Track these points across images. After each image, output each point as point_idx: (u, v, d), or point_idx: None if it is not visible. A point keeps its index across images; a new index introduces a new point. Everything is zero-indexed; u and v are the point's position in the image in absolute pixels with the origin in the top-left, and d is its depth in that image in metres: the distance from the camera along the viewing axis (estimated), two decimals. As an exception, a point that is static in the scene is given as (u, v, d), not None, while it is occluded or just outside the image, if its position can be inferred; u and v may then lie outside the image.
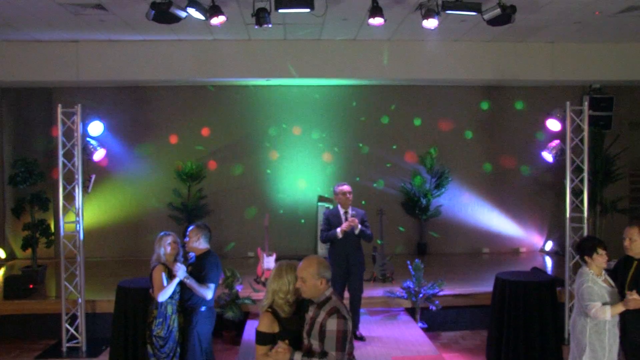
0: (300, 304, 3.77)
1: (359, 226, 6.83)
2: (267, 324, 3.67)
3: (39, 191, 9.20)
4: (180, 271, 5.23)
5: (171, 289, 5.28)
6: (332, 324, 3.50)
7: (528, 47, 10.11)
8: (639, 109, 11.63)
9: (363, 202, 11.09)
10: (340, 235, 6.82)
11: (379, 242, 9.54)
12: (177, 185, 11.08)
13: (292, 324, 3.70)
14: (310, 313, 3.67)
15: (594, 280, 4.85)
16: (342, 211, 7.01)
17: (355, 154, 11.53)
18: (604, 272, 4.96)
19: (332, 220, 6.98)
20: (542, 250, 11.68)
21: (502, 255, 11.38)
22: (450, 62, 10.16)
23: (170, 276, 5.31)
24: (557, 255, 11.09)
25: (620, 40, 9.91)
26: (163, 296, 5.26)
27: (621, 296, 4.83)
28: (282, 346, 3.59)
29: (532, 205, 11.70)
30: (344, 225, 6.79)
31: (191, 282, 5.27)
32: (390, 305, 8.25)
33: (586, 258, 4.95)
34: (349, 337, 3.57)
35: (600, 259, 4.89)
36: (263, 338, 3.67)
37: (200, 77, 10.18)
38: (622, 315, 4.86)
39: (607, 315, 4.72)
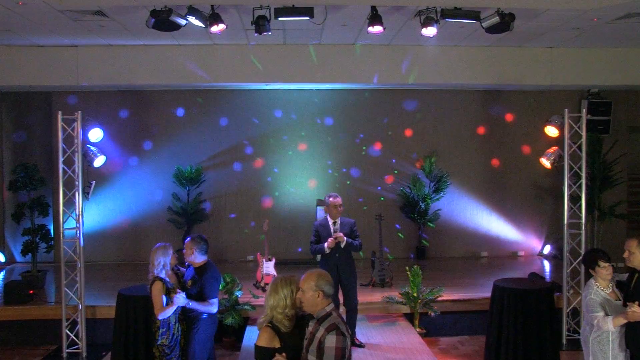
0: (300, 319, 3.79)
1: (345, 239, 6.80)
2: (267, 339, 3.66)
3: (39, 196, 9.22)
4: (180, 300, 5.23)
5: (170, 312, 5.32)
6: (330, 341, 3.51)
7: (527, 52, 10.13)
8: (637, 114, 11.66)
9: (364, 208, 11.16)
10: (327, 251, 6.83)
11: (387, 255, 9.51)
12: (176, 190, 11.10)
13: (292, 338, 3.70)
14: (310, 328, 3.69)
15: (597, 292, 4.85)
16: (330, 222, 6.98)
17: (355, 158, 11.55)
18: (611, 284, 4.93)
19: (321, 231, 6.98)
20: (541, 254, 11.71)
21: (500, 259, 11.40)
22: (449, 67, 10.18)
23: (168, 293, 5.31)
24: (556, 259, 11.12)
25: (619, 45, 9.94)
26: (162, 316, 5.30)
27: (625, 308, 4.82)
28: (279, 359, 3.58)
29: (530, 209, 11.73)
30: (329, 242, 6.78)
31: (194, 305, 5.30)
32: (389, 310, 8.27)
33: (590, 271, 4.95)
34: (347, 355, 3.57)
35: (603, 271, 4.86)
36: (263, 353, 3.64)
37: (199, 81, 10.20)
38: (625, 328, 4.85)
39: (609, 325, 4.72)
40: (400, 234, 11.51)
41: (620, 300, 4.88)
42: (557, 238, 10.82)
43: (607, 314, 4.77)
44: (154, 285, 5.35)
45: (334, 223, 6.97)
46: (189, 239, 5.54)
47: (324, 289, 3.66)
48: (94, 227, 10.73)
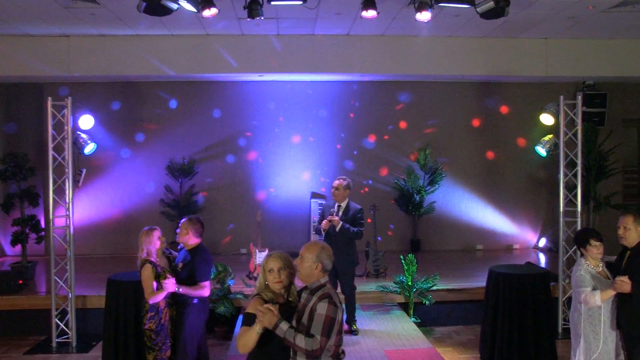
0: (287, 302, 3.71)
1: (340, 223, 6.79)
2: (255, 307, 3.55)
3: (29, 186, 9.11)
4: (170, 286, 5.15)
5: (161, 297, 5.23)
6: (322, 308, 3.45)
7: (521, 43, 10.07)
8: (632, 106, 11.63)
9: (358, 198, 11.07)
10: (322, 232, 6.83)
11: (379, 239, 9.46)
12: (168, 182, 11.00)
13: (282, 312, 3.63)
14: (302, 300, 3.62)
15: (587, 269, 4.84)
16: (335, 205, 7.00)
17: (349, 150, 11.49)
18: (601, 264, 4.92)
19: (325, 212, 7.01)
20: (536, 247, 11.66)
21: (495, 252, 11.34)
22: (443, 58, 10.11)
23: (158, 277, 5.22)
24: (551, 252, 11.07)
25: (614, 36, 9.90)
26: (153, 301, 5.22)
27: None
28: (272, 306, 3.46)
29: (525, 202, 11.69)
30: (323, 224, 6.81)
31: (185, 290, 5.22)
32: (384, 300, 8.21)
33: (581, 249, 4.96)
34: (337, 327, 3.49)
35: (594, 250, 4.86)
36: (250, 318, 3.52)
37: (192, 72, 10.11)
38: (617, 307, 4.82)
39: (597, 299, 4.69)
40: (391, 224, 11.47)
41: (610, 279, 4.84)
42: (553, 231, 10.77)
43: (595, 289, 4.74)
44: (144, 269, 5.26)
45: (339, 207, 6.97)
46: (185, 219, 5.46)
47: (323, 262, 3.61)
48: (85, 220, 10.62)
